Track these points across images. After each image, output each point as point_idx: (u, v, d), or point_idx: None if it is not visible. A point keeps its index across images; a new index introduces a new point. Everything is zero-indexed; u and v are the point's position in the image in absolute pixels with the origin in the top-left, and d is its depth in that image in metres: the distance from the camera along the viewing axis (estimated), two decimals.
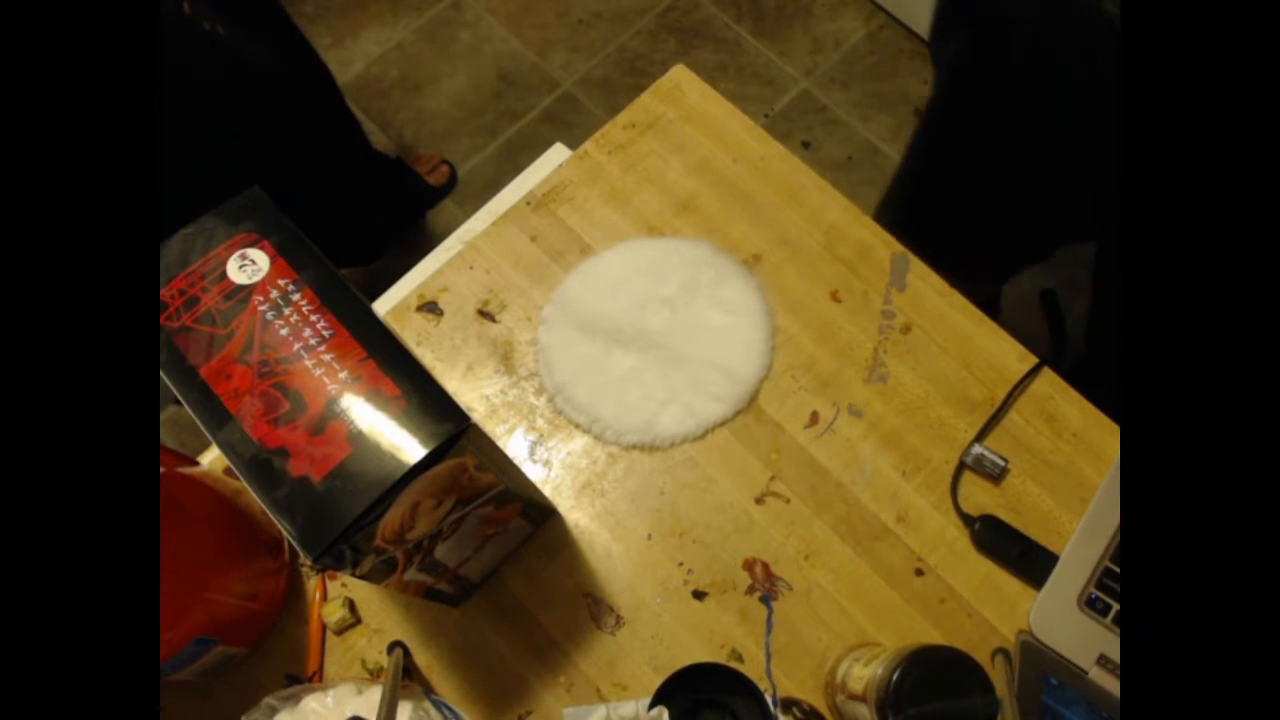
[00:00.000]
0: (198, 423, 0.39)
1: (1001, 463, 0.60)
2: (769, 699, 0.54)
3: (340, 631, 0.58)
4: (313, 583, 0.59)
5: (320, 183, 1.17)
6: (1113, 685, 0.55)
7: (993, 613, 0.58)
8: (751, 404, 0.63)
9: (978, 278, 0.97)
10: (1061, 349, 1.25)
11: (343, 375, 0.38)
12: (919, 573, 0.59)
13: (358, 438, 0.37)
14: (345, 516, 0.36)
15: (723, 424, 0.62)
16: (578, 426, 0.63)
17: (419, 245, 1.46)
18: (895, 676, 0.44)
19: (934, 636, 0.57)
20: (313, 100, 1.12)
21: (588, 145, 0.71)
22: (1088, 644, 0.56)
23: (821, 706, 0.56)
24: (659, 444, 0.62)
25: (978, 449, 0.60)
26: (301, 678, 0.57)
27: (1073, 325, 1.27)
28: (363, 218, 1.32)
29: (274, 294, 0.40)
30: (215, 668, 0.55)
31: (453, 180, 1.49)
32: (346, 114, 1.21)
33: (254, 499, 0.39)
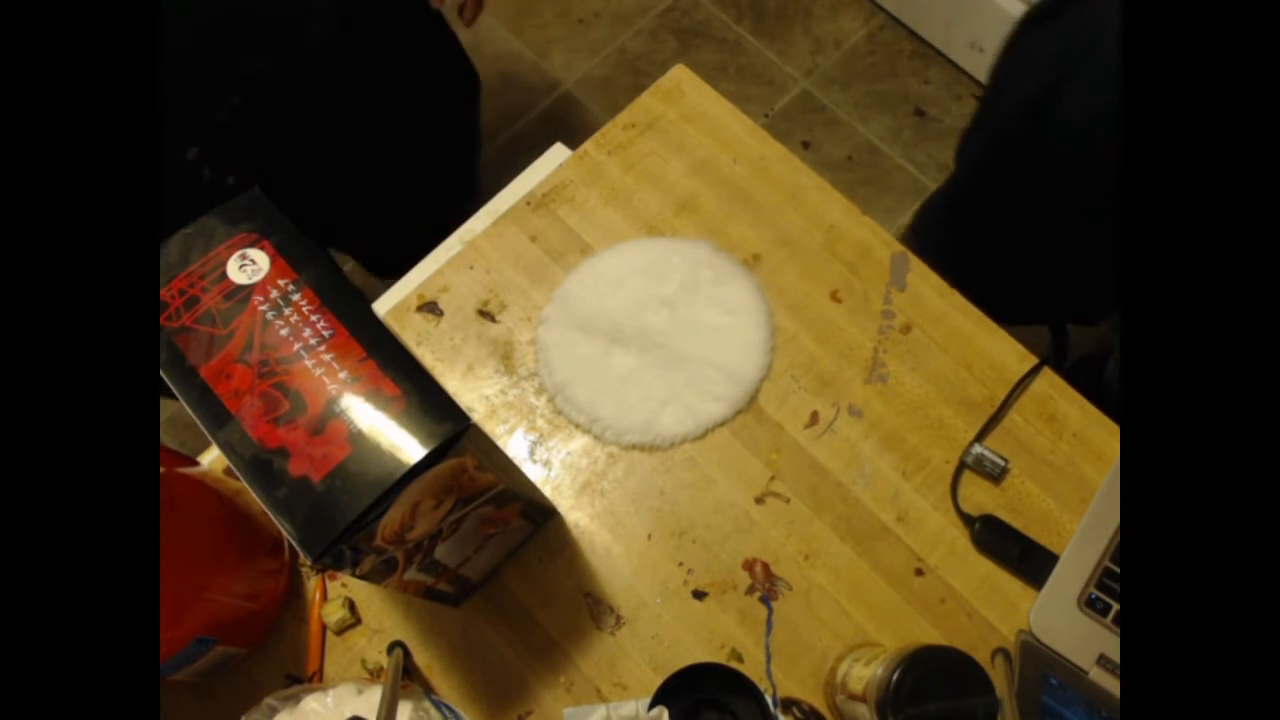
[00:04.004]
0: (198, 423, 0.39)
1: (1001, 463, 0.60)
2: (769, 699, 0.54)
3: (340, 631, 0.58)
4: (313, 583, 0.59)
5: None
6: (1113, 685, 0.55)
7: (993, 613, 0.58)
8: (751, 404, 0.63)
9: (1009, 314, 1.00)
10: (1063, 354, 1.26)
11: (343, 375, 0.39)
12: (919, 573, 0.59)
13: (358, 438, 0.37)
14: (345, 516, 0.36)
15: (723, 424, 0.62)
16: (578, 426, 0.63)
17: None
18: (895, 676, 0.44)
19: (934, 636, 0.57)
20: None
21: (588, 145, 0.71)
22: (1088, 644, 0.56)
23: (821, 706, 0.56)
24: (659, 444, 0.62)
25: (978, 449, 0.60)
26: (301, 678, 0.57)
27: (1075, 330, 1.27)
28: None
29: (274, 294, 0.40)
30: (215, 668, 0.55)
31: None
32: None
33: (254, 499, 0.39)
